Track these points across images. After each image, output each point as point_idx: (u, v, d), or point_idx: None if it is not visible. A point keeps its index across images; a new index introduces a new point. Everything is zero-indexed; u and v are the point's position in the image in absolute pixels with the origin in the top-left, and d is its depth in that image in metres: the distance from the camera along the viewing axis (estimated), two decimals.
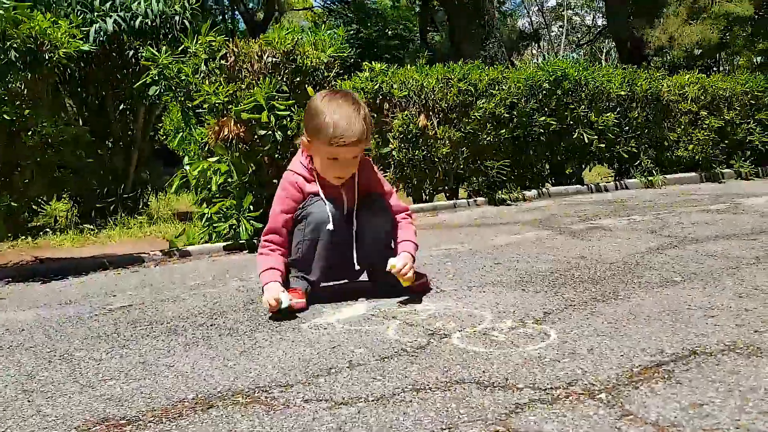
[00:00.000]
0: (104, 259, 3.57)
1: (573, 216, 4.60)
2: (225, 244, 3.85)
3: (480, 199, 5.69)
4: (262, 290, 2.22)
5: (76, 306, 2.57)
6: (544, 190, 6.05)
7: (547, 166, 6.39)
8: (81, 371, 1.76)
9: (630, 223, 4.03)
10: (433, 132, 5.42)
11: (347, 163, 2.21)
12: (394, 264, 2.22)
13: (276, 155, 3.95)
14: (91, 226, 5.06)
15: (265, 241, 2.31)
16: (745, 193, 5.55)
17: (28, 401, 1.57)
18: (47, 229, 5.14)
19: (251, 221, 3.77)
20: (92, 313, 2.42)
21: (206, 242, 3.93)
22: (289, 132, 3.86)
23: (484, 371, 1.59)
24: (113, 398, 1.55)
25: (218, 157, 3.88)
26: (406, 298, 2.31)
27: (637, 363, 1.59)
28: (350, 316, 2.14)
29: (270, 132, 3.80)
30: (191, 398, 1.52)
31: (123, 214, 5.52)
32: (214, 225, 3.85)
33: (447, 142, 5.43)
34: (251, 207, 3.84)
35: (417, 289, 2.35)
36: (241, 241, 3.79)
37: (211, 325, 2.14)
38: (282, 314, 2.15)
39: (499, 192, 5.66)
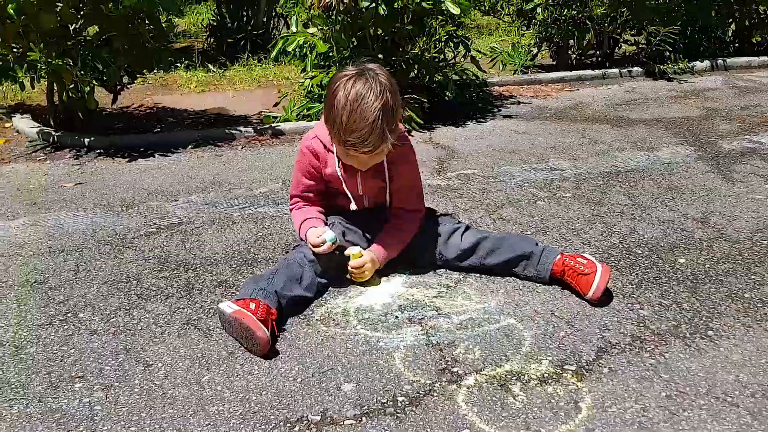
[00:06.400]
0: (197, 132, 3.48)
1: (736, 113, 3.82)
2: None
3: (636, 69, 4.90)
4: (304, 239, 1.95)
5: (131, 215, 2.49)
6: (719, 62, 5.08)
7: (729, 32, 5.33)
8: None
9: None
10: None
11: (365, 160, 1.85)
12: (356, 254, 1.91)
13: (379, 31, 3.50)
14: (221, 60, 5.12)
15: (292, 203, 2.08)
16: None
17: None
18: (178, 64, 5.18)
19: None
20: (137, 233, 2.33)
21: (303, 115, 3.70)
22: (396, 4, 3.35)
23: None
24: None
25: (317, 28, 3.51)
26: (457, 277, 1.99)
27: None
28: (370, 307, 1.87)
29: (373, 4, 3.31)
30: None
31: (250, 54, 5.47)
32: (310, 106, 3.59)
33: (604, 0, 4.61)
34: None
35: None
36: None
37: (231, 285, 1.96)
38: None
39: (661, 64, 4.84)
